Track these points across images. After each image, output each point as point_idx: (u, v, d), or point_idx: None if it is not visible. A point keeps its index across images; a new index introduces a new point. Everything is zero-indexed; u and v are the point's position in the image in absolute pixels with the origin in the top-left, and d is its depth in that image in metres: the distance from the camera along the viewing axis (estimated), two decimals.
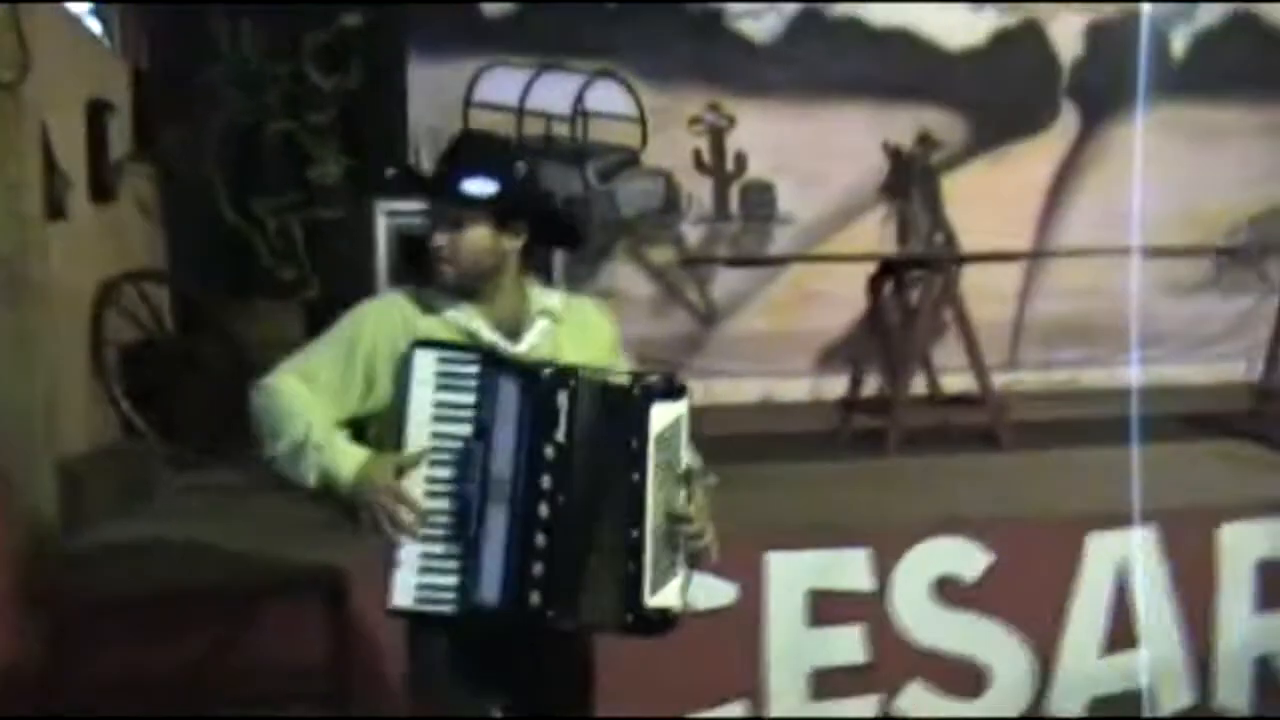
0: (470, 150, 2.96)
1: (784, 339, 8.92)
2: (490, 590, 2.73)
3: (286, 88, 8.40)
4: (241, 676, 4.26)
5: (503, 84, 8.71)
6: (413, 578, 2.74)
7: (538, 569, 2.72)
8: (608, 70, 8.75)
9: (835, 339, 8.99)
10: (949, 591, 4.75)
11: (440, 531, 2.74)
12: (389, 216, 4.81)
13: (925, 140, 9.04)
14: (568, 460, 2.73)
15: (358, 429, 2.93)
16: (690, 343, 8.89)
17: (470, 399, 2.75)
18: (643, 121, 8.75)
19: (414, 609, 2.75)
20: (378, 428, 2.91)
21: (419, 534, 2.73)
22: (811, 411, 8.34)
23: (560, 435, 2.73)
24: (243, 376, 6.89)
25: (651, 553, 2.76)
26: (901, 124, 9.03)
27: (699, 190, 8.92)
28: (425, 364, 2.75)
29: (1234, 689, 4.93)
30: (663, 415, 2.78)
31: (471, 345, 2.83)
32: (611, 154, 8.77)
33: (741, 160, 8.89)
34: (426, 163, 8.55)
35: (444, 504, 2.75)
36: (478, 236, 2.87)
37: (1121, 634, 4.86)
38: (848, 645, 4.70)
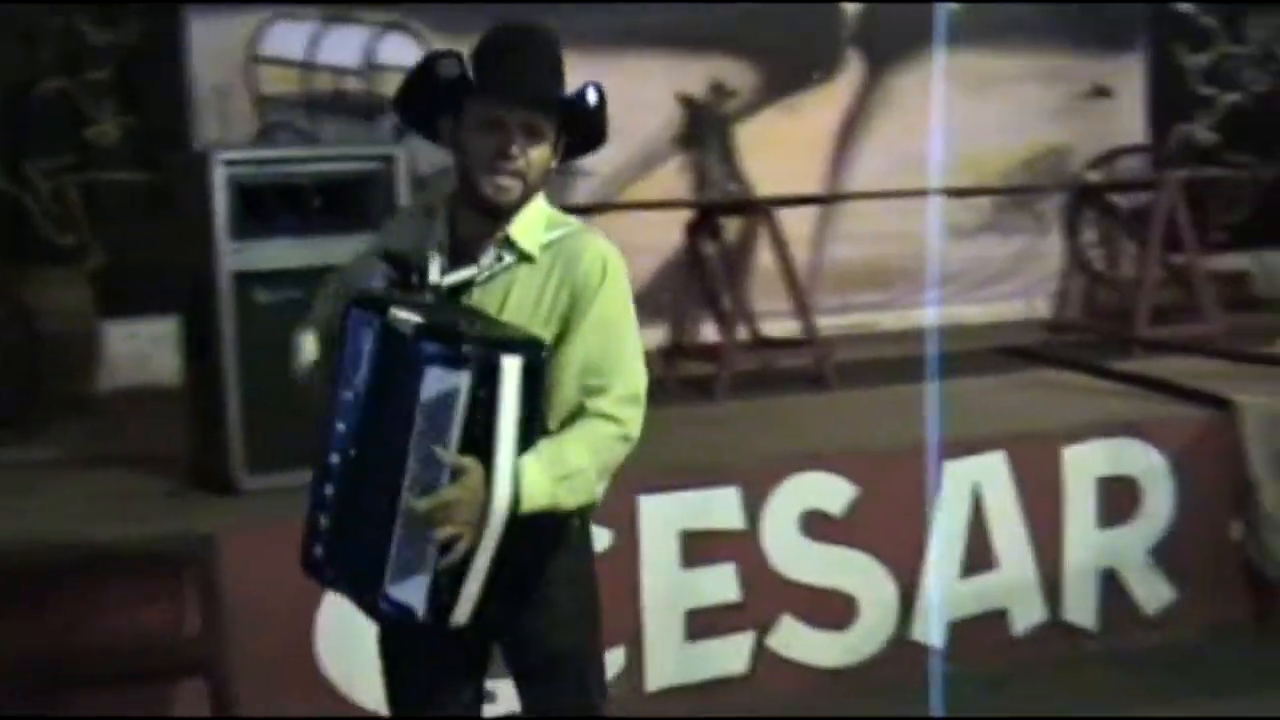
0: (535, 47, 2.65)
1: None
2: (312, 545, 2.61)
3: (58, 43, 7.95)
4: (96, 654, 4.02)
5: (288, 37, 8.39)
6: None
7: (323, 521, 2.56)
8: (398, 22, 8.51)
9: (641, 289, 8.94)
10: (816, 526, 4.80)
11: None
12: (227, 166, 4.54)
13: (718, 90, 9.09)
14: (361, 408, 2.50)
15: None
16: None
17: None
18: None
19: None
20: None
21: None
22: None
23: (359, 380, 2.50)
24: (33, 346, 6.60)
25: (397, 537, 2.39)
26: (695, 74, 9.06)
27: None
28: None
29: (1081, 603, 5.13)
30: (435, 382, 2.35)
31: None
32: None
33: None
34: (212, 123, 8.22)
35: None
36: (546, 149, 2.57)
37: (979, 557, 5.00)
38: (721, 584, 4.71)
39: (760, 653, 4.76)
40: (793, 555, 4.77)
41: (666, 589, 4.65)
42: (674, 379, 6.99)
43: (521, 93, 2.52)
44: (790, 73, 9.27)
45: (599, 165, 8.79)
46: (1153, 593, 5.22)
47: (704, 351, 7.09)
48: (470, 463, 2.33)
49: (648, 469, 4.76)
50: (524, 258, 2.59)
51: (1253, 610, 5.35)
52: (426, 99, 2.60)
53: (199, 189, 4.64)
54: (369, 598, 2.46)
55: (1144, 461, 5.19)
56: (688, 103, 9.05)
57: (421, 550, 2.36)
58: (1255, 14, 10.71)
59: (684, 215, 8.86)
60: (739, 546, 4.73)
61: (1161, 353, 6.90)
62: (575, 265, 2.60)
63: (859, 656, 4.86)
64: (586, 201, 8.63)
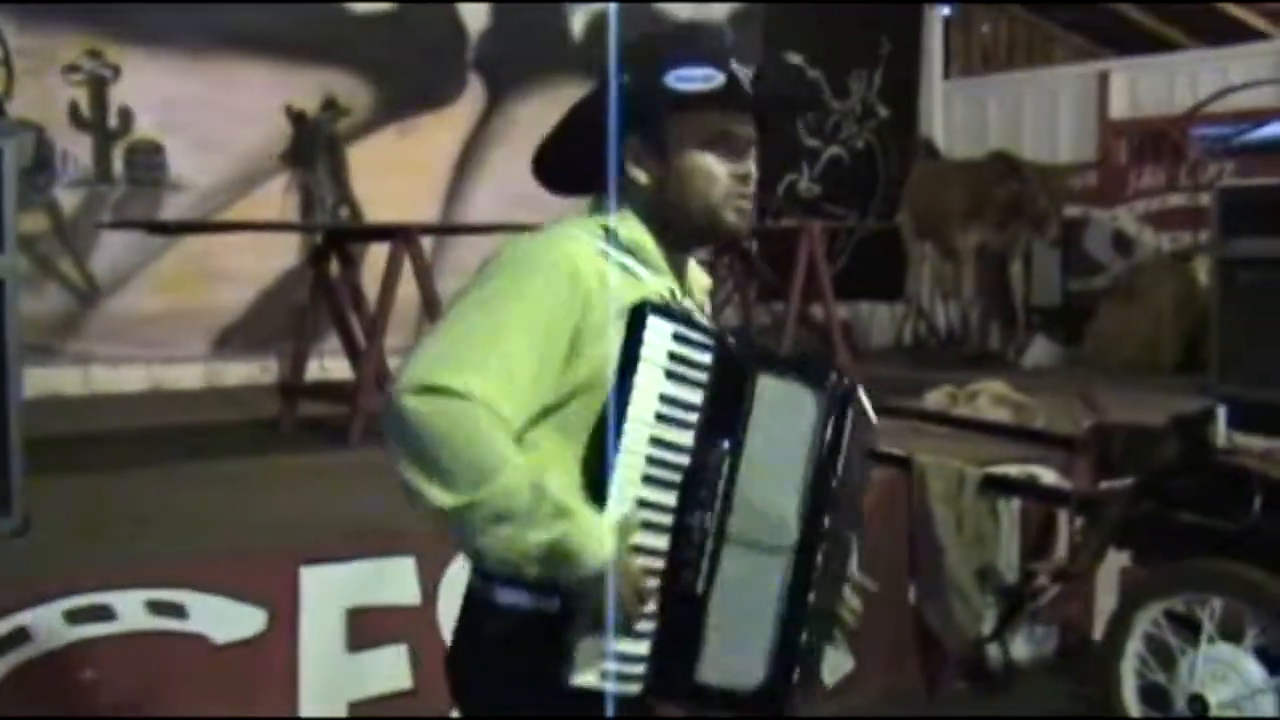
0: (721, 42, 2.18)
1: (176, 319, 7.94)
2: (732, 667, 1.95)
3: None
4: None
5: None
6: (601, 646, 1.88)
7: (804, 638, 2.02)
8: None
9: (236, 319, 8.16)
10: None
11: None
12: None
13: (332, 106, 8.39)
14: (840, 497, 2.04)
15: None
16: (66, 323, 7.68)
17: (697, 398, 1.92)
18: (7, 65, 7.43)
19: (598, 686, 1.89)
20: (550, 415, 1.97)
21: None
22: (207, 400, 7.53)
23: (840, 466, 2.01)
24: None
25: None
26: (307, 86, 8.32)
27: (76, 148, 7.70)
28: (657, 339, 1.89)
29: None
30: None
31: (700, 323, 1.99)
32: None
33: (127, 116, 7.77)
34: None
35: (660, 541, 1.92)
36: None
37: None
38: (391, 668, 4.07)
39: None
40: None
41: (328, 676, 3.96)
42: (291, 419, 6.27)
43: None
44: (408, 92, 8.67)
45: (195, 179, 7.93)
46: (829, 662, 4.93)
47: (326, 391, 6.40)
48: None
49: (309, 535, 4.12)
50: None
51: (925, 677, 5.17)
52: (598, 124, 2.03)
53: None
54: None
55: None
56: (297, 117, 8.29)
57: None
58: (856, 69, 11.00)
59: (288, 240, 8.15)
60: (412, 624, 4.10)
61: None
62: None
63: None
64: (182, 219, 7.74)
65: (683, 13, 9.87)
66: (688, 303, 2.07)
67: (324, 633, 3.95)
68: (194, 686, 3.66)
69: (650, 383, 1.87)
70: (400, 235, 5.95)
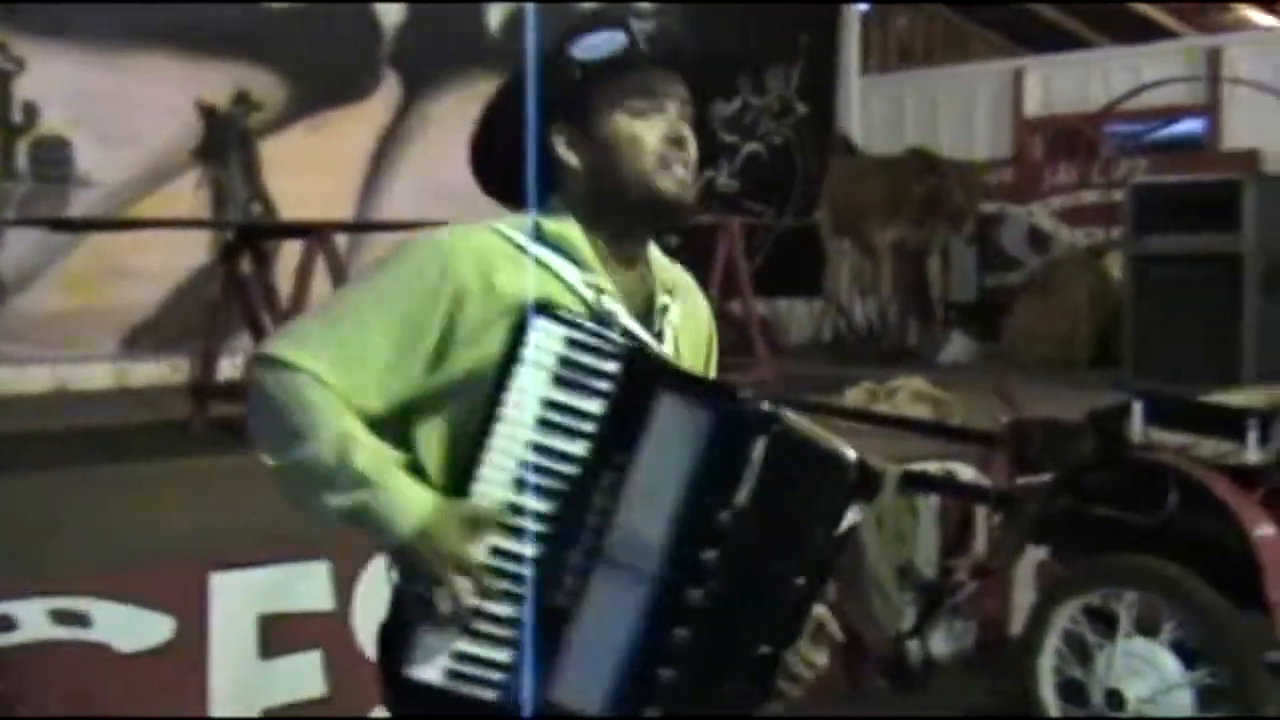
0: (623, 14, 2.01)
1: (84, 317, 7.76)
2: (578, 689, 1.85)
3: None
4: None
5: None
6: (451, 643, 1.84)
7: (666, 674, 1.88)
8: None
9: (146, 317, 8.00)
10: None
11: (508, 586, 1.84)
12: None
13: (244, 100, 8.24)
14: (739, 534, 1.88)
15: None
16: None
17: (597, 408, 1.83)
18: None
19: (443, 685, 1.84)
20: (430, 413, 1.94)
21: (471, 612, 1.83)
22: (116, 401, 7.38)
23: (742, 498, 1.87)
24: None
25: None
26: (219, 81, 8.16)
27: None
28: (546, 341, 1.82)
29: None
30: (854, 517, 1.97)
31: (611, 330, 1.90)
32: None
33: (32, 111, 7.57)
34: None
35: (525, 547, 1.84)
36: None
37: None
38: (306, 676, 3.99)
39: None
40: None
41: (240, 684, 3.87)
42: (202, 420, 6.15)
43: (677, 60, 1.99)
44: (322, 87, 8.54)
45: (104, 174, 7.75)
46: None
47: (238, 391, 6.27)
48: None
49: (220, 540, 4.03)
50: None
51: (846, 675, 5.16)
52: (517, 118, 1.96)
53: None
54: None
55: None
56: (208, 112, 8.13)
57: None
58: (774, 66, 11.00)
59: (199, 237, 8.00)
60: (327, 631, 4.02)
61: None
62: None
63: None
64: (90, 215, 7.57)
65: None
66: (611, 303, 1.96)
67: (235, 640, 3.86)
68: (100, 697, 3.57)
69: (532, 385, 1.82)
70: (314, 233, 5.85)
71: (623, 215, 2.00)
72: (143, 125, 7.87)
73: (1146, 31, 11.55)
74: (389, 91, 8.85)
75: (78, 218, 7.46)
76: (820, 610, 2.04)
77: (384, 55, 8.81)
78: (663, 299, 2.05)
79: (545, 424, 1.83)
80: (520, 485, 1.83)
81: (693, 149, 1.99)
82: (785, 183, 11.19)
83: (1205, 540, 4.03)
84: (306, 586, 4.00)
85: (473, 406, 1.86)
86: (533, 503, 1.83)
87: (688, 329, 2.10)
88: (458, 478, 1.86)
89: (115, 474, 5.17)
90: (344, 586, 4.04)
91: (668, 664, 1.88)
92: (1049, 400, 6.08)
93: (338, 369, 1.87)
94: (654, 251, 2.11)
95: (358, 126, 8.73)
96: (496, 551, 1.84)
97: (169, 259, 7.83)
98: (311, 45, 8.43)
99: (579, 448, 1.84)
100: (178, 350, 8.00)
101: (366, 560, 4.07)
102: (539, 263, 1.94)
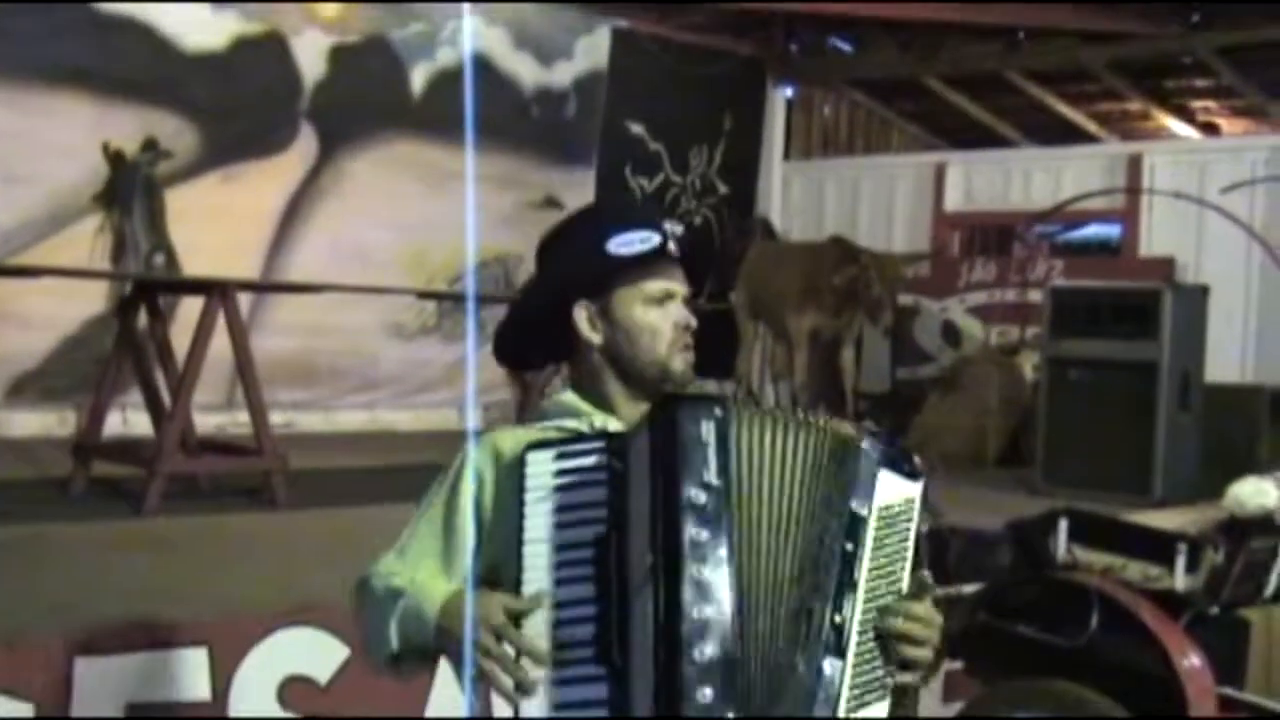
0: (650, 207, 2.00)
1: None
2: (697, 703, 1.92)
3: None
4: None
5: None
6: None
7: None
8: None
9: (33, 366, 7.65)
10: (298, 695, 3.90)
11: (579, 654, 2.00)
12: None
13: (153, 147, 7.97)
14: (726, 504, 1.99)
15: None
16: None
17: (601, 494, 2.05)
18: None
19: None
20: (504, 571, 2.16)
21: (534, 691, 1.99)
22: None
23: (711, 475, 1.99)
24: None
25: (855, 656, 2.03)
26: (126, 125, 7.88)
27: None
28: (540, 469, 2.08)
29: None
30: (890, 488, 2.09)
31: (591, 434, 2.17)
32: None
33: None
34: None
35: (587, 630, 2.00)
36: None
37: None
38: None
39: None
40: None
41: None
42: (84, 479, 5.86)
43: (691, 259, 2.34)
44: (237, 138, 8.29)
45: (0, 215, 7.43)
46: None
47: (124, 450, 5.99)
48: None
49: (88, 618, 3.75)
50: None
51: None
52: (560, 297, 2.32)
53: None
54: None
55: None
56: (115, 157, 7.85)
57: (878, 668, 2.06)
58: (698, 144, 10.93)
59: (95, 285, 7.71)
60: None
61: None
62: None
63: None
64: None
65: (528, 77, 9.69)
66: (611, 423, 2.23)
67: None
68: None
69: (541, 504, 2.05)
70: (216, 290, 5.59)
71: (633, 383, 2.29)
72: (46, 166, 7.58)
73: (1067, 133, 11.63)
74: (305, 146, 8.61)
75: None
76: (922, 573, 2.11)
77: (303, 109, 8.58)
78: None
79: (563, 525, 2.04)
80: (562, 583, 2.03)
81: (694, 326, 2.30)
82: (705, 264, 11.06)
83: (1128, 666, 3.91)
84: (181, 674, 3.72)
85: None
86: (579, 591, 2.01)
87: None
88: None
89: None
90: (222, 675, 3.77)
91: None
92: (961, 502, 5.98)
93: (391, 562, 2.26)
94: None
95: (270, 180, 8.48)
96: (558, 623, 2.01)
97: (61, 306, 7.52)
98: (228, 94, 8.20)
99: (598, 528, 2.03)
100: (64, 402, 7.69)
101: (248, 648, 3.84)
102: (559, 431, 2.22)
